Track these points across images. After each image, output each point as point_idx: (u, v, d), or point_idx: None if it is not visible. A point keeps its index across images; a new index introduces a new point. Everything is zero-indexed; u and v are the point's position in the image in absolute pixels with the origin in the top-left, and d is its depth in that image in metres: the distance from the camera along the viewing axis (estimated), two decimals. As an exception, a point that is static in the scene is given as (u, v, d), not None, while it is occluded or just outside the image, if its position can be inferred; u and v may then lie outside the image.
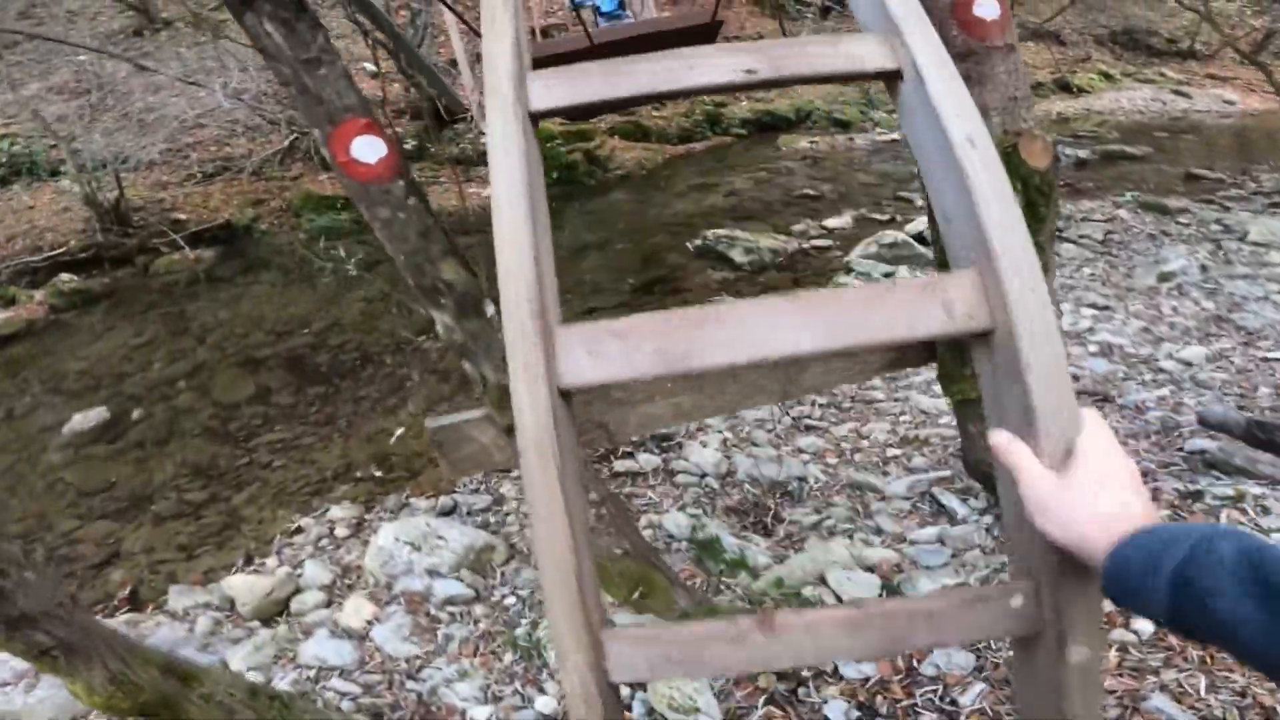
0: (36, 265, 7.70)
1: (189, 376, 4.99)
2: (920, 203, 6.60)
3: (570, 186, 8.96)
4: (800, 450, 2.91)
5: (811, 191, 7.38)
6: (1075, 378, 2.92)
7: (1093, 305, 3.80)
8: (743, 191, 7.81)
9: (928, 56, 0.81)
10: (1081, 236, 5.09)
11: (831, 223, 6.05)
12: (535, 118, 0.91)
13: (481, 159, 9.02)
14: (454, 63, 10.81)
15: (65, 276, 7.47)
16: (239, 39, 10.19)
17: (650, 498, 2.84)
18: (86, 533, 3.32)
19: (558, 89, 0.91)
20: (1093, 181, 6.88)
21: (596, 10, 7.63)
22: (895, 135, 10.09)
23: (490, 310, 1.61)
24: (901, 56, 0.83)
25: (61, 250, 7.80)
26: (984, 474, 1.97)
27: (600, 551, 1.35)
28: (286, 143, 9.06)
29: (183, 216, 8.54)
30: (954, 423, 2.81)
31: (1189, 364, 2.97)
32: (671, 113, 10.14)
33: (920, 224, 5.36)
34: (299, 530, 3.08)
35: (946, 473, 2.37)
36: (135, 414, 4.48)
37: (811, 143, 9.88)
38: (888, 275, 4.55)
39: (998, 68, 1.64)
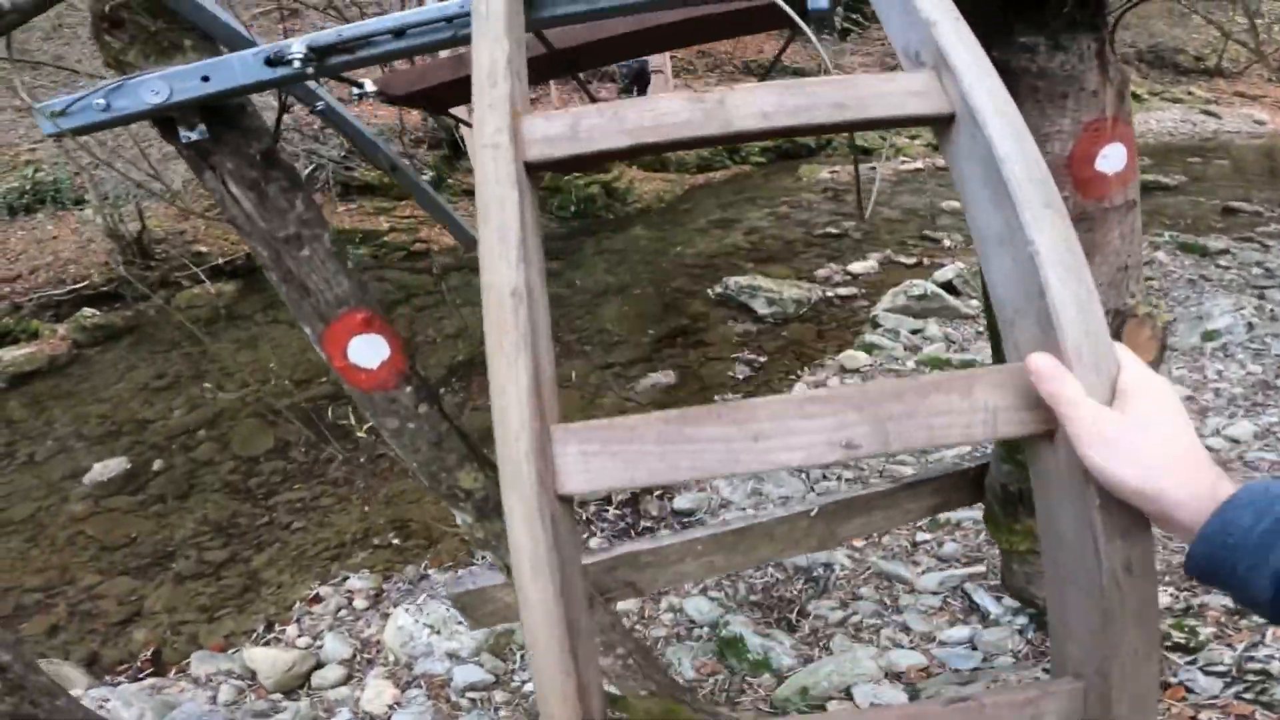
0: (60, 298, 7.92)
1: (209, 425, 5.10)
2: (948, 243, 6.61)
3: (588, 221, 9.09)
4: (826, 530, 2.91)
5: (834, 230, 7.41)
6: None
7: None
8: (764, 229, 7.86)
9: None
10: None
11: (856, 267, 6.06)
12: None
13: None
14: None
15: (88, 311, 7.68)
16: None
17: (672, 577, 2.86)
18: (108, 589, 3.41)
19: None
20: (1127, 223, 6.83)
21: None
22: (919, 164, 10.13)
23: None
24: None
25: (84, 284, 8.02)
26: (1025, 598, 1.97)
27: (627, 690, 1.37)
28: (305, 174, 9.27)
29: (204, 249, 8.76)
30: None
31: (1237, 441, 2.92)
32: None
33: (949, 272, 5.37)
34: (318, 599, 3.13)
35: (980, 568, 2.36)
36: (156, 465, 4.58)
37: (832, 173, 9.94)
38: (915, 331, 4.53)
39: (1112, 233, 1.39)
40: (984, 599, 2.28)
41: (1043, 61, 1.27)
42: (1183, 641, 1.83)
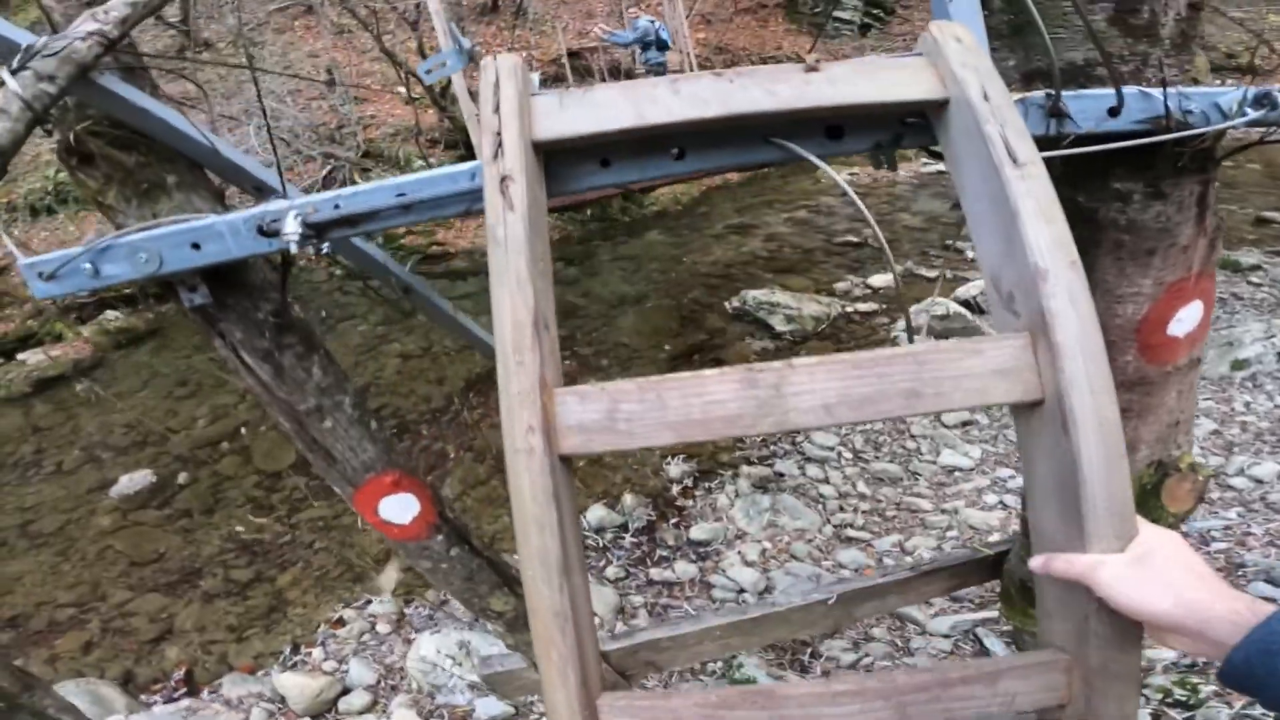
0: (83, 300, 8.14)
1: (231, 439, 5.27)
2: (972, 255, 6.62)
3: (604, 224, 9.17)
4: (840, 565, 3.01)
5: (854, 238, 7.44)
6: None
7: None
8: (782, 237, 7.90)
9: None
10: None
11: (877, 281, 6.11)
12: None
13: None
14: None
15: (110, 314, 7.90)
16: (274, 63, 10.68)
17: (686, 610, 2.97)
18: (139, 605, 3.58)
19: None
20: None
21: (640, 49, 7.88)
22: (941, 167, 10.09)
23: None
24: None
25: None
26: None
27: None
28: (323, 174, 9.43)
29: (222, 253, 8.96)
30: (1005, 536, 2.89)
31: (1260, 482, 2.95)
32: (710, 144, 10.29)
33: (972, 288, 5.39)
34: (341, 621, 3.28)
35: (992, 613, 2.44)
36: (181, 478, 4.76)
37: (852, 174, 9.93)
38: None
39: (1169, 394, 1.30)
40: (995, 644, 2.37)
41: (1135, 213, 1.15)
42: (1184, 698, 1.90)
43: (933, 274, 6.16)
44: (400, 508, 1.38)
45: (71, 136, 1.04)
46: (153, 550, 3.98)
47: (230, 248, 1.01)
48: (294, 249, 0.96)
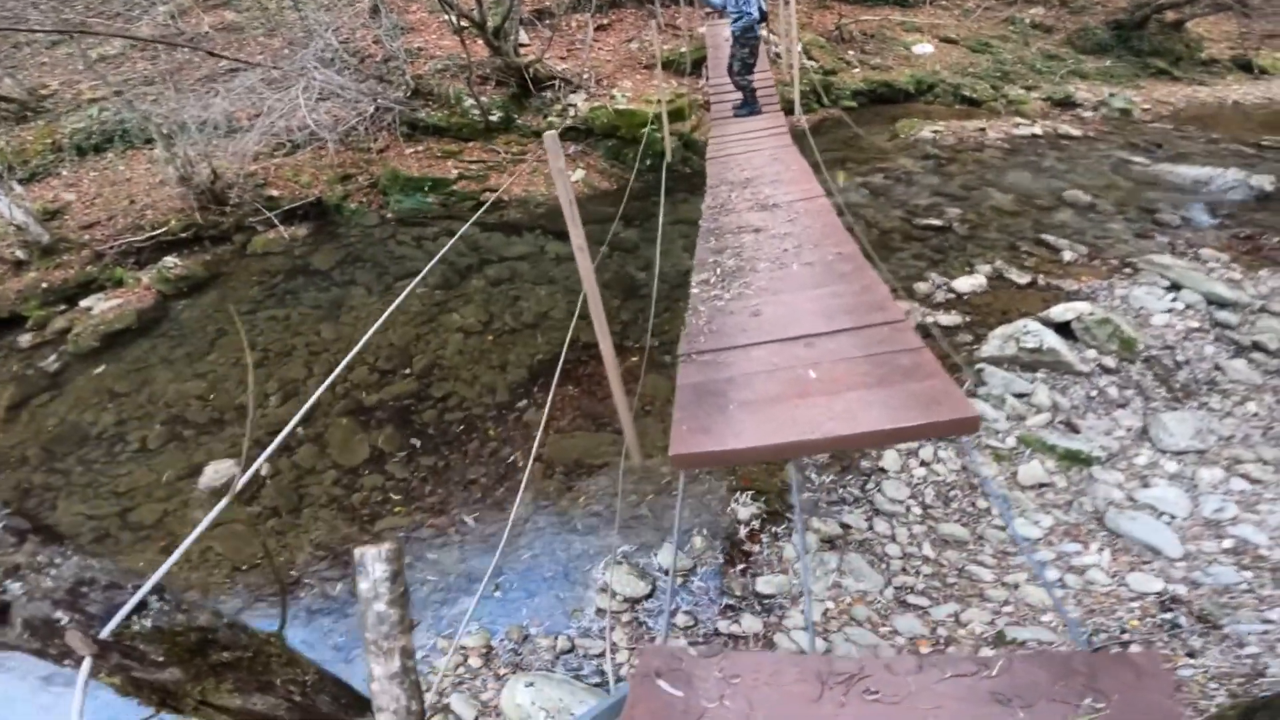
0: (140, 245, 8.86)
1: (305, 422, 5.95)
2: (1069, 256, 6.73)
3: (659, 174, 9.33)
4: (896, 632, 3.53)
5: (936, 221, 7.54)
6: (1195, 585, 3.32)
7: (1245, 476, 3.99)
8: (857, 209, 8.02)
9: None
10: (1256, 345, 5.18)
11: (962, 284, 6.30)
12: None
13: (569, 132, 9.51)
14: (540, 16, 11.10)
15: (169, 261, 8.62)
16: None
17: (751, 666, 3.56)
18: (251, 615, 4.34)
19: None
20: (1278, 235, 6.75)
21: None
22: (1036, 129, 9.84)
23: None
24: None
25: (163, 230, 8.91)
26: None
27: None
28: (371, 108, 9.73)
29: (275, 193, 9.53)
30: (1055, 626, 3.36)
31: None
32: (775, 80, 10.17)
33: (1067, 311, 5.57)
34: (434, 649, 3.96)
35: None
36: (263, 470, 5.49)
37: (935, 132, 9.78)
38: (1021, 396, 4.86)
39: None
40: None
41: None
42: None
43: (1024, 280, 6.31)
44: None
45: None
46: (251, 554, 4.72)
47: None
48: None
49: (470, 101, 9.50)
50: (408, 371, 6.45)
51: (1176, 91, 12.05)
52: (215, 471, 5.47)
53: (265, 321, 7.60)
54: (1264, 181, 7.87)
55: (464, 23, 9.38)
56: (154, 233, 8.76)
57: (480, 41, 9.77)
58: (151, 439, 6.01)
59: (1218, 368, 5.01)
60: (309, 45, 9.51)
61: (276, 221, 9.11)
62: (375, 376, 6.44)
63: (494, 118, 9.63)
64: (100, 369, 7.11)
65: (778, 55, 11.31)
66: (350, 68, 9.83)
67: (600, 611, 3.98)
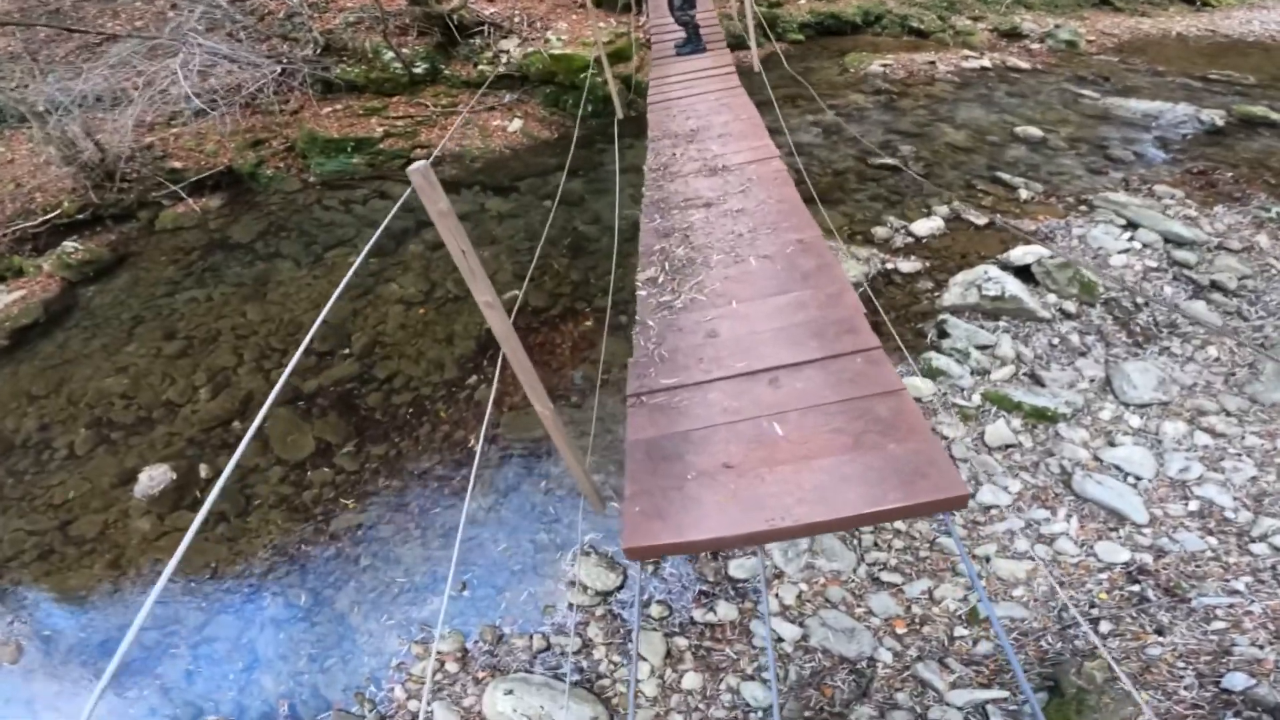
0: (34, 230, 8.34)
1: (241, 415, 5.77)
2: (1025, 195, 6.78)
3: (608, 120, 9.07)
4: (871, 613, 3.64)
5: (891, 160, 7.52)
6: (1161, 553, 3.46)
7: (1209, 430, 4.10)
8: (810, 149, 7.93)
9: None
10: (1214, 284, 5.31)
11: (920, 227, 6.33)
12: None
13: (502, 81, 9.12)
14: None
15: (69, 245, 8.15)
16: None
17: (728, 654, 3.64)
18: (216, 630, 4.25)
19: None
20: (1231, 170, 6.89)
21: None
22: (985, 62, 9.82)
23: None
24: None
25: (56, 213, 8.39)
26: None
27: None
28: (277, 69, 9.16)
29: (178, 165, 9.02)
30: (1026, 600, 3.50)
31: (1279, 550, 3.40)
32: (719, 13, 9.89)
33: (1026, 254, 5.66)
34: (409, 654, 3.95)
35: (1003, 694, 3.08)
36: (203, 471, 5.31)
37: (884, 66, 9.69)
38: (985, 348, 4.94)
39: None
40: (1004, 720, 3.03)
41: None
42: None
43: (982, 220, 6.35)
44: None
45: None
46: (204, 564, 4.62)
47: None
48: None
49: (390, 54, 9.01)
50: (347, 352, 6.27)
51: (1121, 23, 12.20)
52: (150, 479, 5.29)
53: (185, 304, 7.28)
54: (1214, 116, 8.03)
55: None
56: (47, 216, 8.27)
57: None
58: (79, 444, 5.79)
59: (1177, 309, 5.15)
60: (194, 9, 8.86)
61: (183, 194, 8.65)
62: (312, 360, 6.24)
63: (418, 70, 9.18)
64: (12, 369, 6.74)
65: (720, -13, 10.96)
66: (246, 28, 9.21)
67: (573, 607, 4.00)
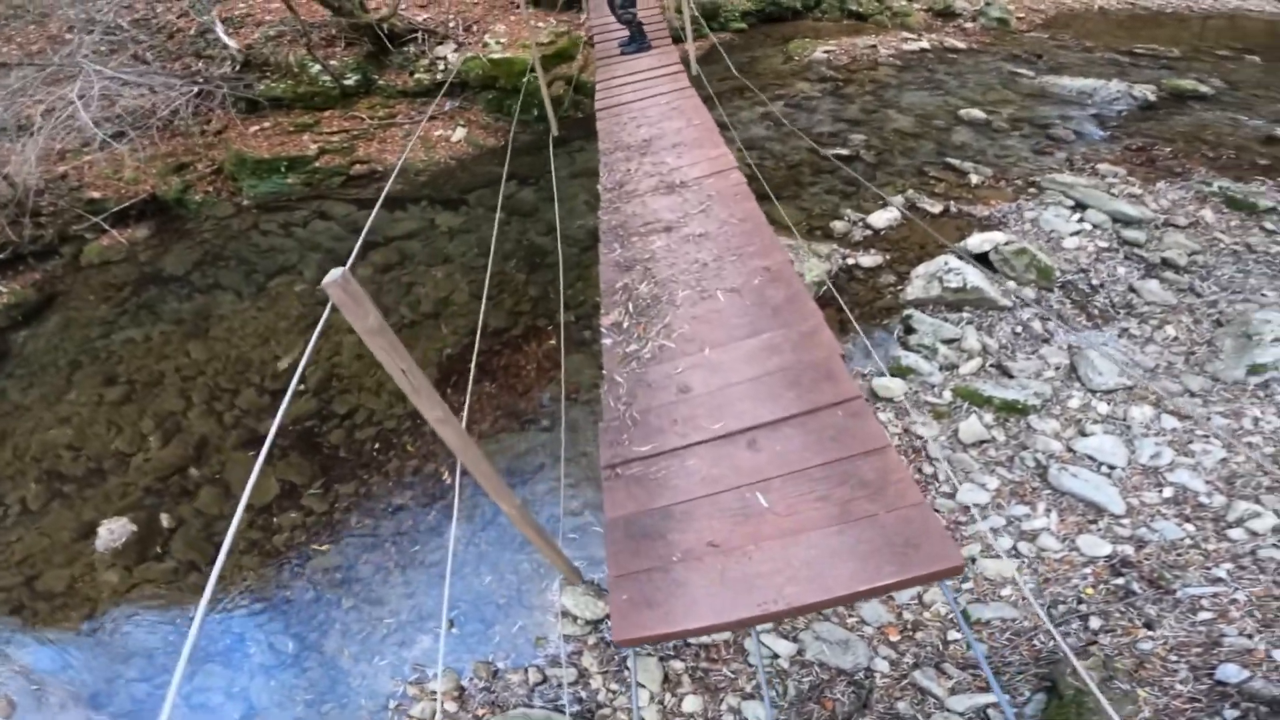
0: (-47, 273, 7.95)
1: (197, 461, 5.62)
2: (976, 179, 6.95)
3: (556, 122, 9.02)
4: (864, 622, 3.72)
5: (843, 150, 7.63)
6: (1141, 543, 3.59)
7: (1175, 413, 4.21)
8: (762, 143, 8.00)
9: None
10: (1165, 262, 5.52)
11: (878, 219, 6.44)
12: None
13: (442, 88, 8.97)
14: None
15: (-7, 289, 7.78)
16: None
17: (726, 674, 3.68)
18: (210, 682, 4.14)
19: None
20: (1169, 145, 7.16)
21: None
22: (924, 43, 10.03)
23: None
24: None
25: (-31, 255, 8.02)
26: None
27: None
28: (193, 91, 8.87)
29: (97, 194, 8.70)
30: (1015, 600, 3.61)
31: (1255, 534, 3.48)
32: (661, 7, 9.90)
33: (984, 241, 5.79)
34: (405, 697, 3.91)
35: (994, 699, 3.18)
36: (164, 521, 5.18)
37: (828, 52, 9.83)
38: (951, 342, 5.06)
39: None
40: (1004, 723, 3.12)
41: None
42: None
43: (937, 208, 6.49)
44: None
45: None
46: (181, 616, 4.50)
47: None
48: None
49: (317, 67, 8.78)
50: (303, 388, 6.12)
51: None
52: (110, 532, 5.18)
53: (122, 346, 7.04)
54: (1146, 91, 8.34)
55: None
56: (-41, 259, 7.87)
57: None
58: (31, 500, 5.64)
59: (1132, 289, 5.34)
60: (91, 33, 8.52)
61: (106, 226, 8.32)
62: (266, 399, 6.11)
63: (349, 82, 8.97)
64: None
65: (661, -21, 10.96)
66: (154, 48, 8.89)
67: (566, 638, 4.00)
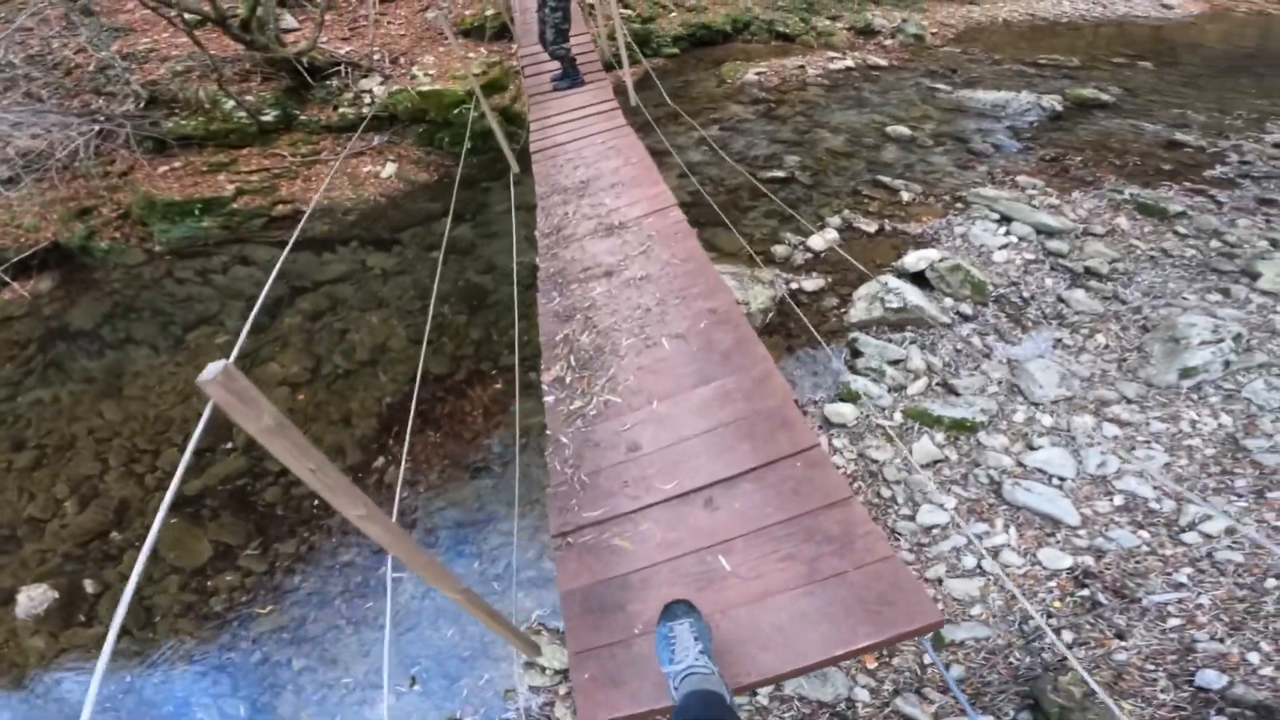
0: None
1: (119, 525, 5.31)
2: (907, 196, 7.17)
3: (490, 156, 8.93)
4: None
5: (779, 172, 7.78)
6: (1100, 553, 3.69)
7: (1115, 420, 4.37)
8: (701, 169, 8.09)
9: None
10: (1089, 270, 5.77)
11: (817, 242, 6.56)
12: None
13: (369, 122, 8.79)
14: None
15: None
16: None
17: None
18: None
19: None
20: (1079, 154, 7.55)
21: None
22: (848, 62, 10.43)
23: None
24: None
25: None
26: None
27: None
28: (93, 130, 8.47)
29: (-9, 244, 8.19)
30: (985, 618, 3.66)
31: (1210, 537, 3.62)
32: (592, 38, 9.96)
33: (919, 260, 5.96)
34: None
35: (987, 719, 3.22)
36: (89, 586, 4.86)
37: (759, 74, 10.11)
38: (896, 363, 5.17)
39: None
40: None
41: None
42: None
43: (873, 227, 6.66)
44: None
45: None
46: (120, 684, 4.22)
47: None
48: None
49: (231, 103, 8.48)
50: (230, 446, 5.85)
51: (955, 12, 13.59)
52: (30, 599, 4.89)
53: (30, 408, 6.61)
54: (1053, 101, 8.84)
55: (193, 17, 8.28)
56: None
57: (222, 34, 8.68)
58: (-60, 568, 5.16)
59: (1061, 300, 5.57)
60: None
61: (6, 278, 7.84)
62: (192, 459, 5.77)
63: (268, 118, 8.69)
64: None
65: (592, 8, 11.01)
66: (49, 84, 8.49)
67: (534, 689, 3.89)
